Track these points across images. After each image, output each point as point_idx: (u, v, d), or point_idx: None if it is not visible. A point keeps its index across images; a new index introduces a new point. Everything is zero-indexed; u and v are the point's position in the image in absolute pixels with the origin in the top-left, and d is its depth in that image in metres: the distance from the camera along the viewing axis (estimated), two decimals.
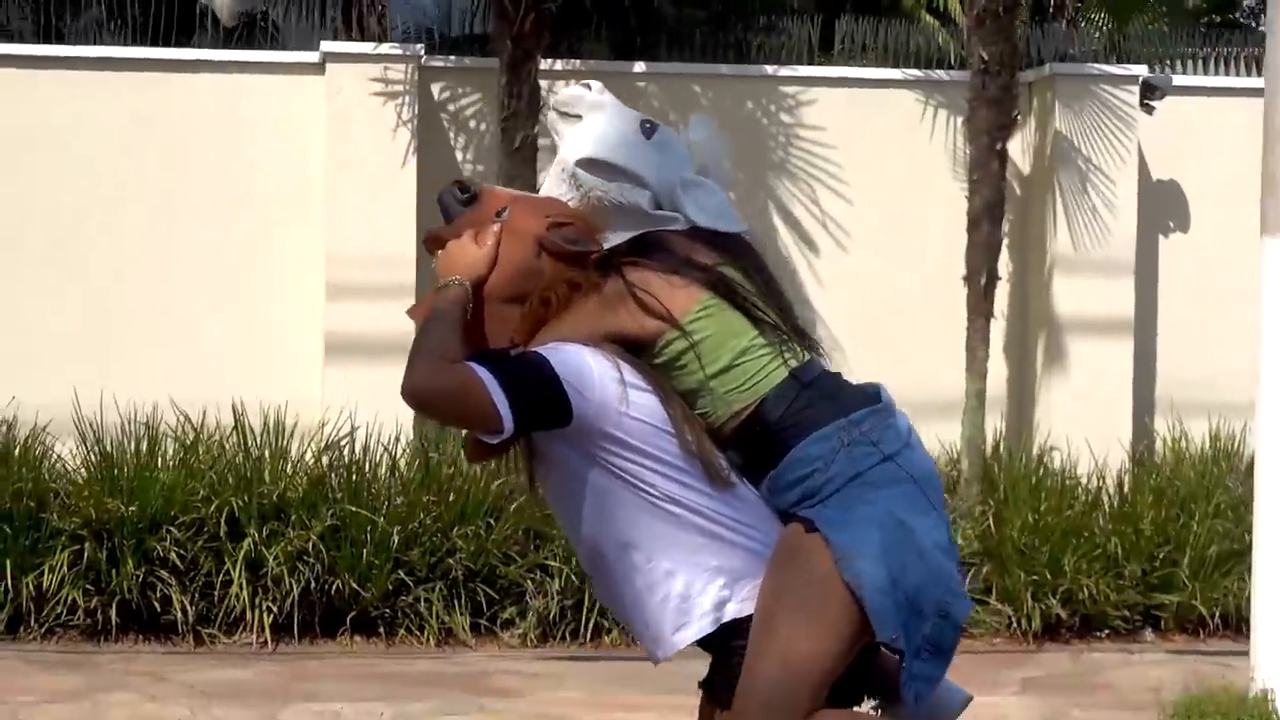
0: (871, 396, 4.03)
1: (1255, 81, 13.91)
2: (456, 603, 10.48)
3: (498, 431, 3.67)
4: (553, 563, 10.54)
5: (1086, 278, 12.30)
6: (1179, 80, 13.16)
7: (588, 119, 4.06)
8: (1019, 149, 12.36)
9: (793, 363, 3.97)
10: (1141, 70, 12.76)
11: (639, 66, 12.43)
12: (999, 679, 10.31)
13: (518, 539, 10.65)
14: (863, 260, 12.38)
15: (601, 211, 4.00)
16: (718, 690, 4.01)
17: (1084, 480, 11.77)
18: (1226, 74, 14.88)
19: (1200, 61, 15.35)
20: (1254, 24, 21.46)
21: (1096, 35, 15.19)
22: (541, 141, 11.42)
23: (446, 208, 4.10)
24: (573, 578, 10.48)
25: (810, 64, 13.38)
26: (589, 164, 4.00)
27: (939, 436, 11.50)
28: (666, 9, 13.33)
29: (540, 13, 11.23)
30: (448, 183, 4.12)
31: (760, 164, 12.38)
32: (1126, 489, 11.77)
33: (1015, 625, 10.98)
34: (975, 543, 11.05)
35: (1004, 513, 11.33)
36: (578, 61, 11.92)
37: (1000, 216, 11.68)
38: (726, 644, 3.90)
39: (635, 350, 3.93)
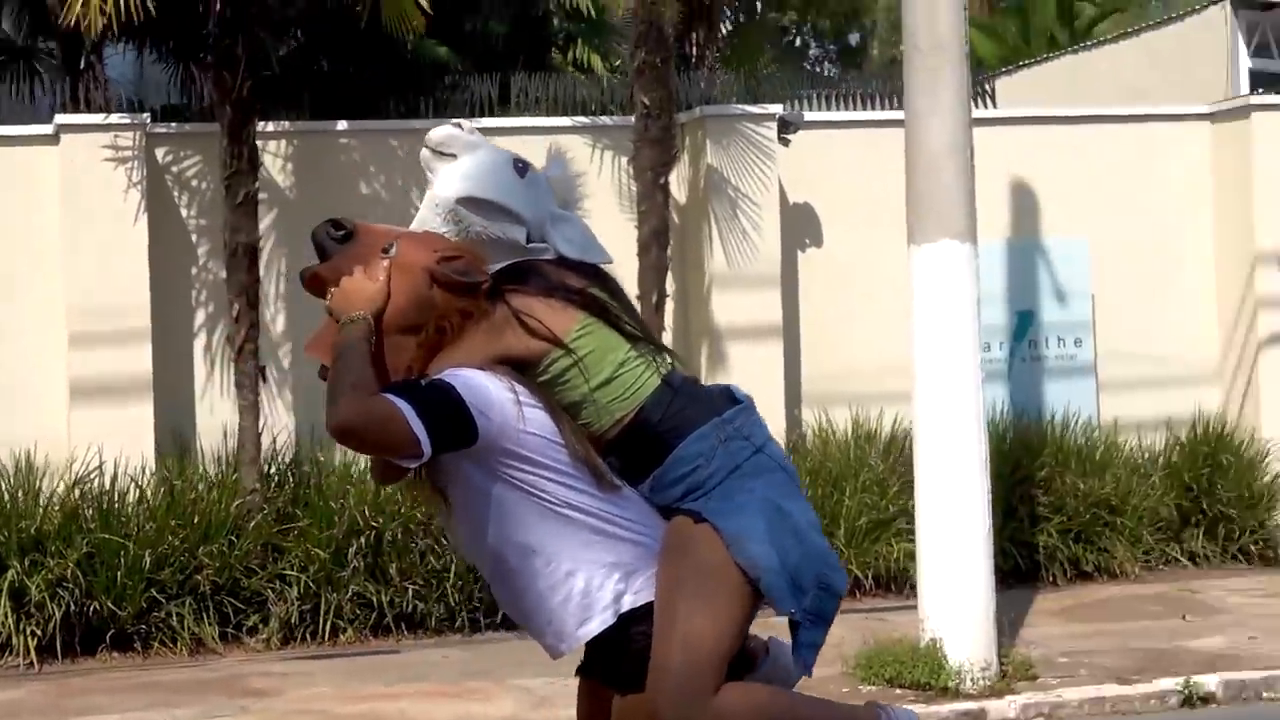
0: (733, 397, 4.26)
1: (871, 114, 15.37)
2: (205, 615, 11.01)
3: (417, 456, 3.82)
4: (290, 572, 11.15)
5: (740, 292, 13.09)
6: (809, 116, 14.23)
7: (463, 158, 4.18)
8: (676, 182, 13.05)
9: (663, 370, 4.18)
10: (778, 109, 13.66)
11: (342, 124, 12.87)
12: None
13: (257, 553, 11.19)
14: None
15: (480, 245, 4.13)
16: (617, 675, 4.18)
17: None
18: (844, 109, 16.01)
19: (822, 99, 16.45)
20: (820, 70, 22.99)
21: (735, 79, 16.02)
22: (261, 196, 11.95)
23: (322, 246, 4.15)
24: (310, 584, 11.13)
25: (491, 116, 13.99)
26: (470, 202, 4.12)
27: None
28: (357, 75, 13.89)
29: (256, 81, 11.62)
30: (322, 221, 4.19)
31: None
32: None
33: None
34: None
35: None
36: (287, 123, 12.38)
37: (666, 242, 12.45)
38: (625, 632, 4.07)
39: (521, 369, 4.07)
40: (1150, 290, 14.37)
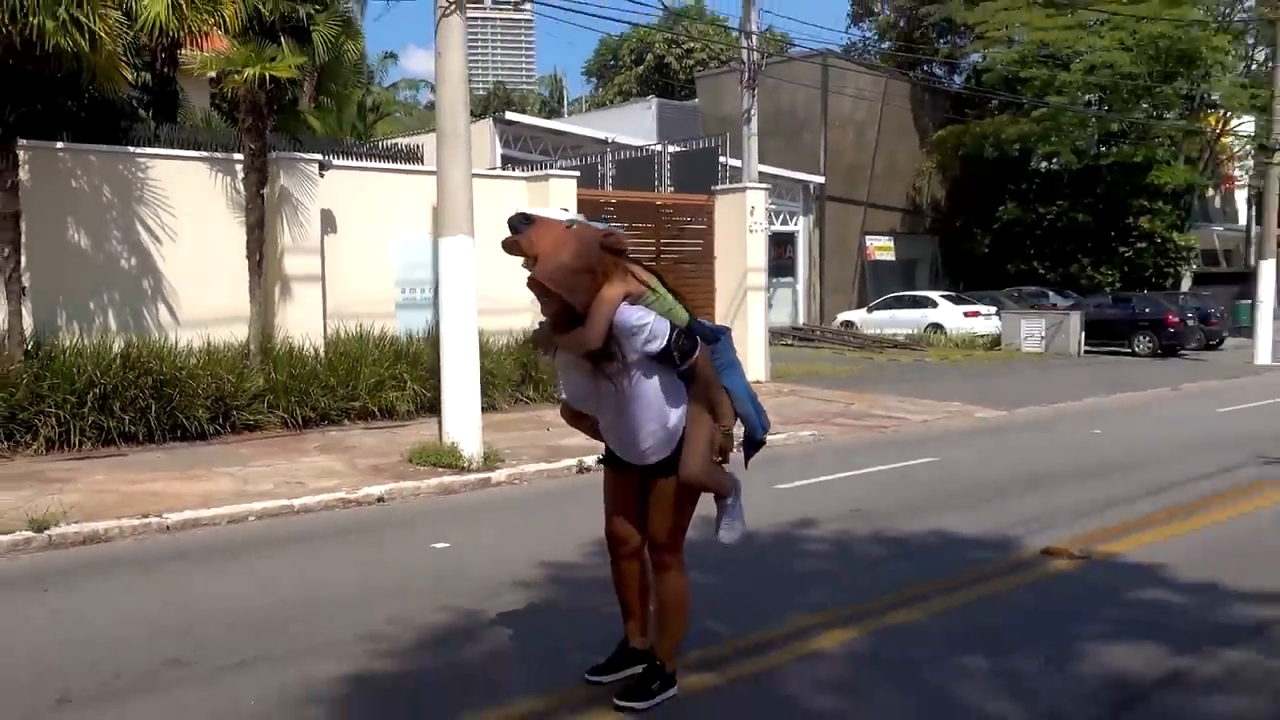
0: (718, 327, 4.49)
1: (369, 164, 15.79)
2: None
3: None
4: (50, 410, 10.55)
5: (298, 256, 13.18)
6: (337, 162, 14.30)
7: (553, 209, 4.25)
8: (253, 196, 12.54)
9: (684, 310, 4.30)
10: (318, 157, 13.69)
11: (60, 145, 12.07)
12: (300, 448, 11.18)
13: (30, 399, 10.53)
14: (188, 251, 12.63)
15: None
16: (659, 468, 4.28)
17: (310, 351, 12.81)
18: (351, 160, 16.22)
19: (345, 153, 16.62)
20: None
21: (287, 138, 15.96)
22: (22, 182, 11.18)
23: (516, 227, 4.03)
24: (63, 416, 10.56)
25: (152, 146, 13.42)
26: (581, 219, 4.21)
27: (234, 334, 12.47)
28: (69, 112, 12.89)
29: (17, 116, 10.81)
30: (514, 213, 4.10)
31: (129, 200, 12.30)
32: (331, 354, 12.96)
33: (289, 422, 12.04)
34: (265, 382, 12.05)
35: (277, 369, 12.26)
36: (24, 141, 11.30)
37: (263, 227, 12.43)
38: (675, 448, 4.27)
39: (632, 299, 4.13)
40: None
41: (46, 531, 7.78)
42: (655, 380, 4.23)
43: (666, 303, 4.27)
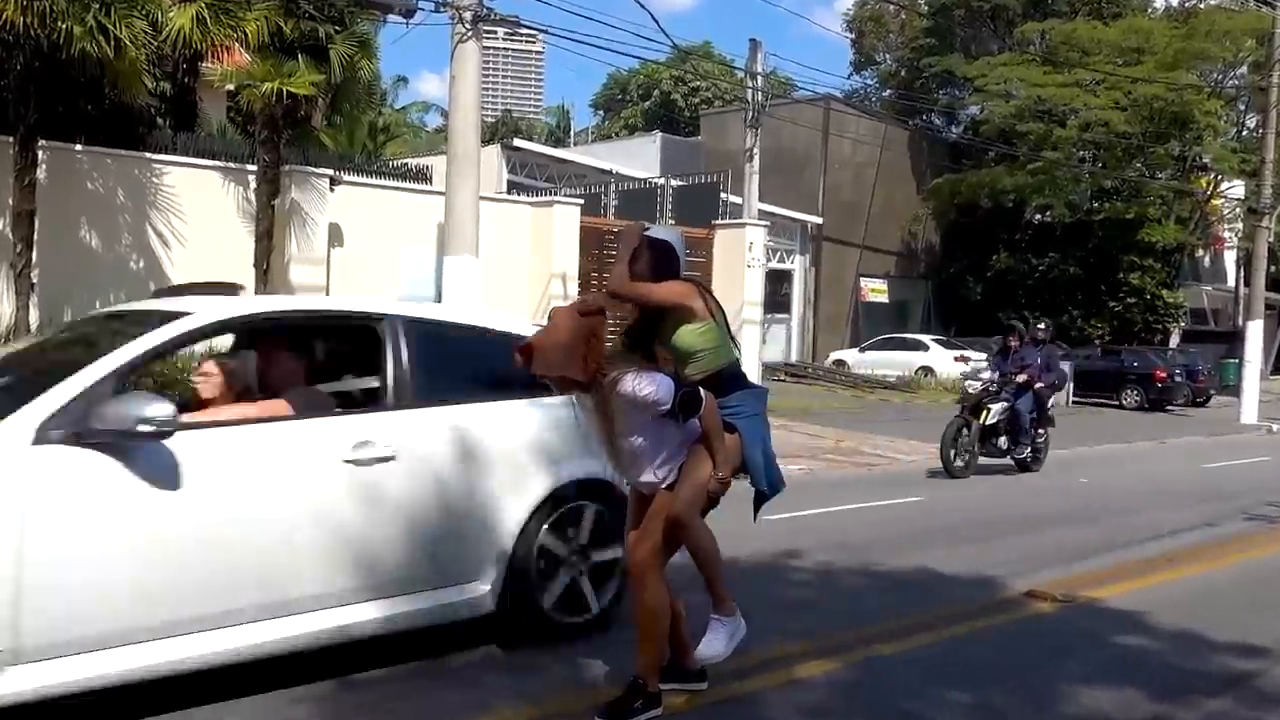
0: (757, 387, 4.63)
1: (377, 181, 15.82)
2: None
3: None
4: None
5: (305, 266, 13.30)
6: (348, 179, 14.50)
7: (666, 227, 4.61)
8: (264, 206, 12.82)
9: (736, 352, 4.52)
10: (329, 171, 13.90)
11: (78, 147, 12.08)
12: None
13: None
14: (197, 257, 12.58)
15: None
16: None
17: None
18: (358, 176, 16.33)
19: (355, 170, 16.68)
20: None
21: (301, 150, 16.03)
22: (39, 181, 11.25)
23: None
24: None
25: (168, 153, 13.44)
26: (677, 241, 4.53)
27: None
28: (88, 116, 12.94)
29: (40, 116, 10.94)
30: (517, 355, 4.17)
31: (142, 204, 12.37)
32: None
33: None
34: None
35: None
36: (43, 140, 11.42)
37: (271, 236, 12.60)
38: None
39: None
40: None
41: None
42: (666, 428, 4.33)
43: (719, 338, 4.34)
